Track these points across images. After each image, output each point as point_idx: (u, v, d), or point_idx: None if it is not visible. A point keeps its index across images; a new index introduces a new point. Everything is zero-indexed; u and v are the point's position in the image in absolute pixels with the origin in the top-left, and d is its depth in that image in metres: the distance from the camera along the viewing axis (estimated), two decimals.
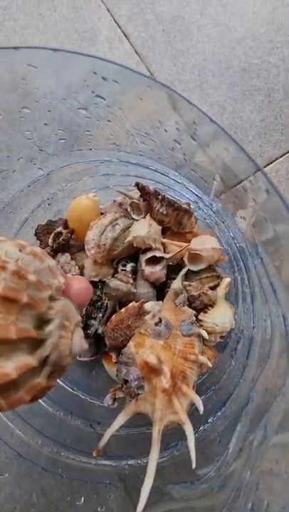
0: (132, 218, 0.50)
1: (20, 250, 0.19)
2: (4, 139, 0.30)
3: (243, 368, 0.36)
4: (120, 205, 0.53)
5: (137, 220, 0.48)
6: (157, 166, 0.39)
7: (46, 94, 0.26)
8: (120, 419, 0.35)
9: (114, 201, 0.52)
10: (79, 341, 0.18)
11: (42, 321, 0.17)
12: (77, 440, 0.40)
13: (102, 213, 0.51)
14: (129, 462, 0.34)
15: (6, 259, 0.17)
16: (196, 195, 0.41)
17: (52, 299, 0.18)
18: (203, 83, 0.60)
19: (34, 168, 0.37)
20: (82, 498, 0.29)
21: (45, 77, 0.24)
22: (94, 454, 0.32)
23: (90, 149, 0.36)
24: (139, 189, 0.45)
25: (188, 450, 0.30)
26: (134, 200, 0.48)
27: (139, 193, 0.47)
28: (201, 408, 0.33)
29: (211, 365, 0.36)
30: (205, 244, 0.46)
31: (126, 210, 0.51)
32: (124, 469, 0.33)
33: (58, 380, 0.20)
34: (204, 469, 0.29)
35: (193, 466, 0.29)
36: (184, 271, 0.45)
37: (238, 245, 0.38)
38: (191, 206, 0.46)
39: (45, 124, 0.29)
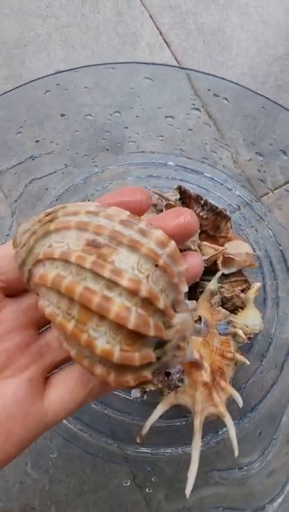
0: None
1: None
2: (84, 140, 0.31)
3: (280, 369, 0.38)
4: (155, 206, 0.55)
5: None
6: (212, 174, 0.41)
7: (144, 102, 0.27)
8: (160, 410, 0.37)
9: None
10: (189, 354, 0.18)
11: (161, 343, 0.17)
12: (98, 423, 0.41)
13: None
14: (168, 450, 0.35)
15: (136, 278, 0.15)
16: (245, 200, 0.43)
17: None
18: None
19: (92, 166, 0.39)
20: (129, 481, 0.30)
21: (155, 90, 0.25)
22: (138, 440, 0.34)
23: (153, 152, 0.38)
24: (180, 192, 0.47)
25: (229, 440, 0.32)
26: (171, 202, 0.50)
27: (179, 196, 0.49)
28: (240, 402, 0.35)
29: (248, 363, 0.38)
30: (238, 249, 0.48)
31: (160, 211, 0.53)
32: (162, 457, 0.35)
33: None
34: (248, 458, 0.31)
35: (236, 454, 0.31)
36: (219, 273, 0.47)
37: (281, 250, 0.40)
38: (227, 212, 0.48)
39: (126, 128, 0.31)
